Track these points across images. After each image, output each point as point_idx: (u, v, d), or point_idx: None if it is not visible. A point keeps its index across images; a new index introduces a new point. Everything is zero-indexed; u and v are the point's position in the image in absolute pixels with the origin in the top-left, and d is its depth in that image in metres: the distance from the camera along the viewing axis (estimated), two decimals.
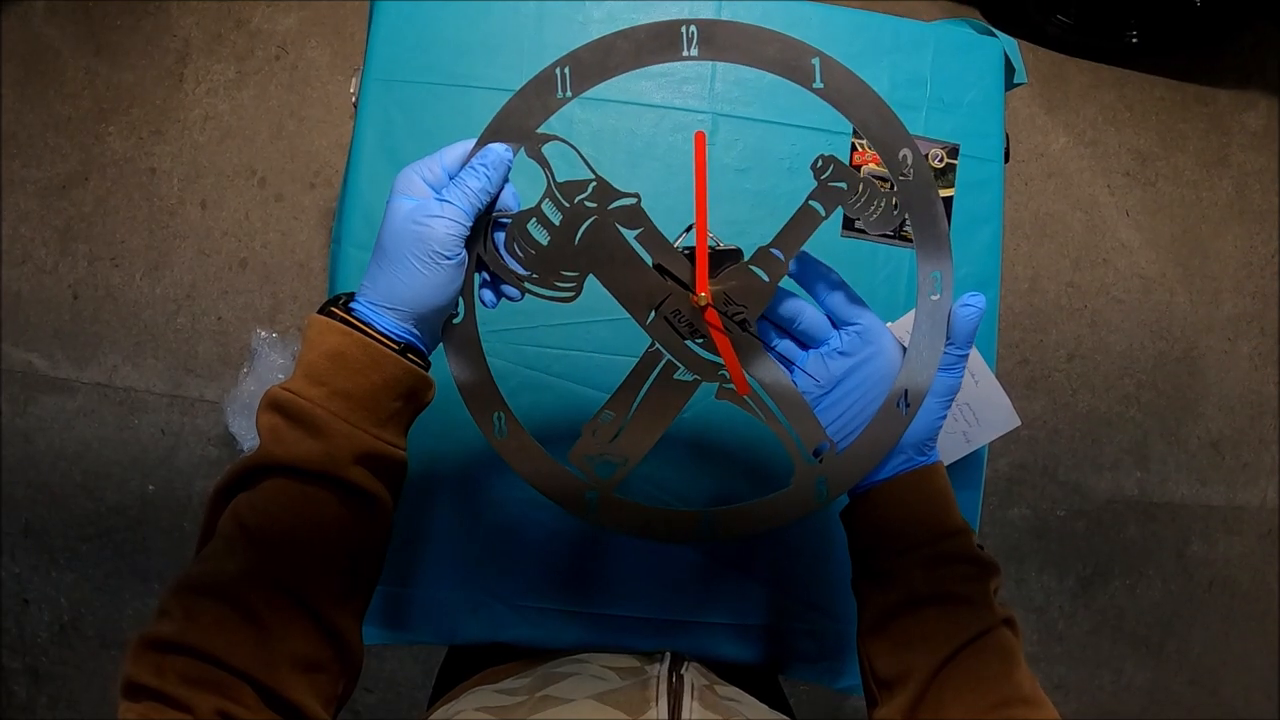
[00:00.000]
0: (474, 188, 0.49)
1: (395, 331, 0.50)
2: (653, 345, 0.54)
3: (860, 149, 0.84)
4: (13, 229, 1.68)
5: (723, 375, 0.54)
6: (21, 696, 1.65)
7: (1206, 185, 2.02)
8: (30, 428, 1.66)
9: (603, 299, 0.54)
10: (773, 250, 0.54)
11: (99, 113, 1.72)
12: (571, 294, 0.53)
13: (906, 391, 0.54)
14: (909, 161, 0.52)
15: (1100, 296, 1.95)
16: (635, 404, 0.54)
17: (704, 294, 0.52)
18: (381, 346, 0.50)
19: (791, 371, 0.57)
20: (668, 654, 0.63)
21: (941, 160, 0.85)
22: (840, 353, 0.56)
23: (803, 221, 0.54)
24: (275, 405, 0.49)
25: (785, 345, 0.59)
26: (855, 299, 0.57)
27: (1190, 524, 1.97)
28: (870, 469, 0.55)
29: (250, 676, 0.45)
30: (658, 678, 0.56)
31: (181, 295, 1.70)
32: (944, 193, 0.85)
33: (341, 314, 0.50)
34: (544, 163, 0.51)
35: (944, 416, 0.56)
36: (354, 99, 0.82)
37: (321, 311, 0.51)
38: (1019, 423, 0.80)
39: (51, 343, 1.68)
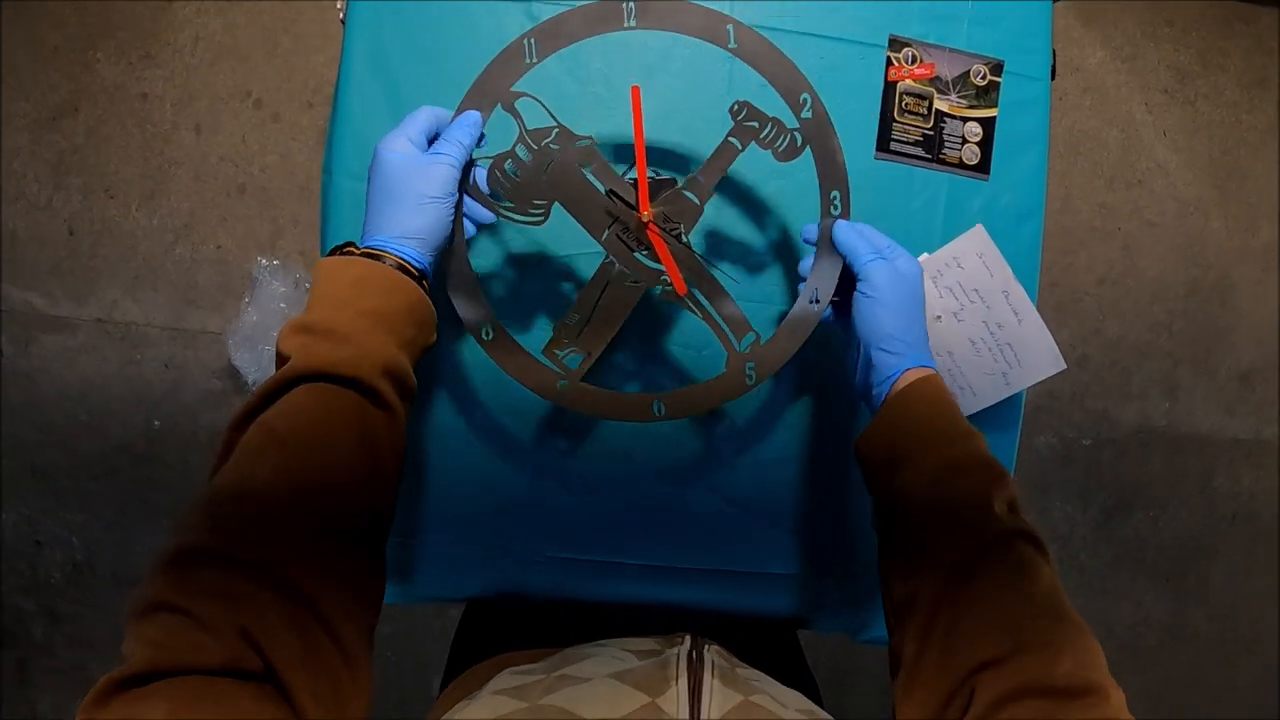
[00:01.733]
0: (463, 142, 0.59)
1: (418, 260, 0.57)
2: (607, 258, 0.65)
3: (896, 64, 0.78)
4: (4, 165, 1.63)
5: (664, 280, 0.65)
6: (39, 637, 1.66)
7: (1247, 107, 1.95)
8: (33, 368, 1.64)
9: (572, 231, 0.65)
10: (699, 177, 0.65)
11: (86, 39, 1.65)
12: (541, 218, 0.63)
13: (816, 289, 0.66)
14: (809, 103, 0.64)
15: (1134, 219, 1.90)
16: (595, 306, 0.66)
17: (646, 213, 0.63)
18: (401, 274, 0.56)
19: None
20: (688, 637, 0.62)
21: (984, 77, 0.79)
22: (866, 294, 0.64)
23: (723, 154, 0.65)
24: (302, 328, 0.52)
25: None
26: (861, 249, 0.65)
27: (1216, 457, 1.96)
28: (789, 354, 0.66)
29: (284, 582, 0.45)
30: (677, 657, 0.55)
31: (179, 224, 1.65)
32: (986, 113, 0.79)
33: (358, 251, 0.57)
34: (516, 115, 0.62)
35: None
36: (341, 16, 0.75)
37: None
38: (1064, 366, 0.75)
39: (49, 280, 1.64)
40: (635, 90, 0.62)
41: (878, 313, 0.62)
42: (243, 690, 0.41)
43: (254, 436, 0.49)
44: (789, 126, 0.64)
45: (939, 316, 0.75)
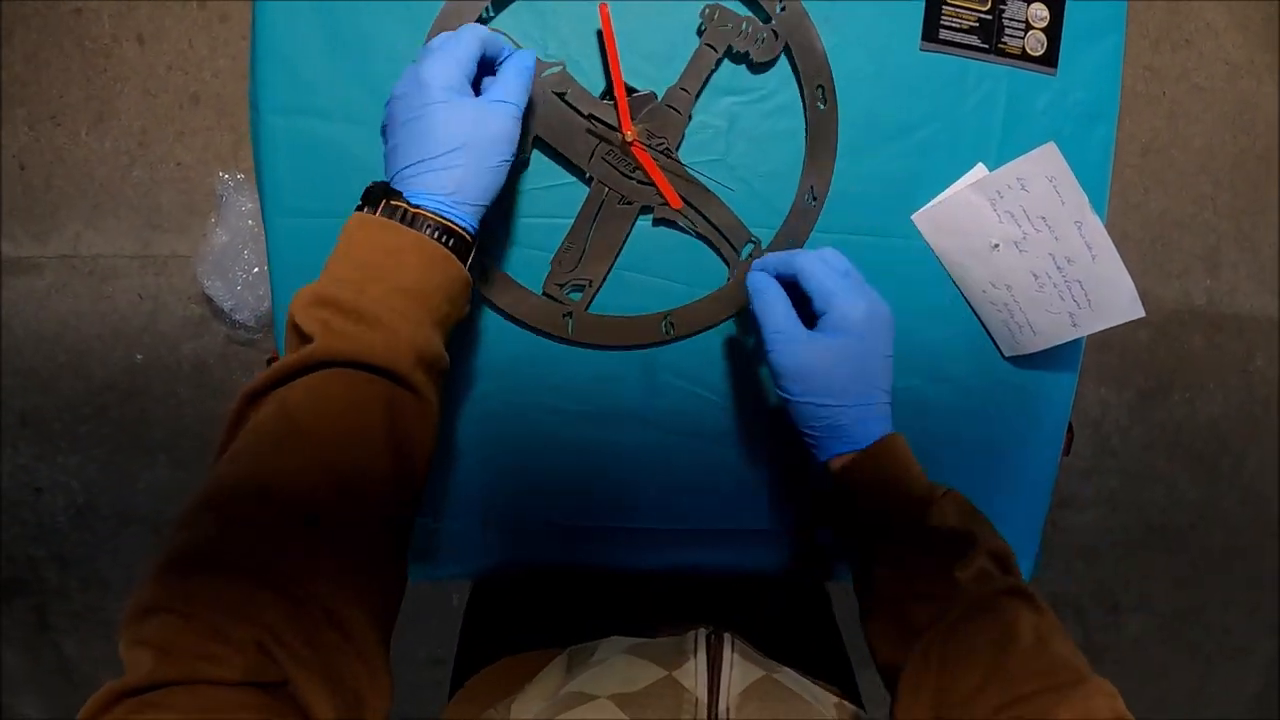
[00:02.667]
0: (524, 90, 0.52)
1: (473, 227, 0.51)
2: (597, 181, 0.63)
3: None
4: None
5: (657, 197, 0.63)
6: (54, 583, 1.66)
7: None
8: (5, 315, 1.57)
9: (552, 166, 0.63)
10: (679, 88, 0.63)
11: None
12: (523, 154, 0.62)
13: (813, 186, 0.65)
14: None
15: (1181, 83, 1.76)
16: (590, 233, 0.64)
17: (629, 131, 0.61)
18: (440, 247, 0.49)
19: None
20: (709, 629, 0.59)
21: None
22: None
23: (700, 60, 0.63)
24: (325, 301, 0.47)
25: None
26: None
27: (1256, 338, 1.88)
28: None
29: (302, 592, 0.40)
30: (695, 636, 0.54)
31: (133, 145, 1.54)
32: None
33: (410, 207, 0.49)
34: None
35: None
36: None
37: (364, 208, 0.50)
38: (1142, 313, 0.63)
39: (8, 221, 1.55)
40: (604, 9, 0.59)
41: (791, 406, 0.57)
42: (258, 703, 0.37)
43: (270, 422, 0.44)
44: (763, 24, 0.62)
45: (996, 245, 0.64)
